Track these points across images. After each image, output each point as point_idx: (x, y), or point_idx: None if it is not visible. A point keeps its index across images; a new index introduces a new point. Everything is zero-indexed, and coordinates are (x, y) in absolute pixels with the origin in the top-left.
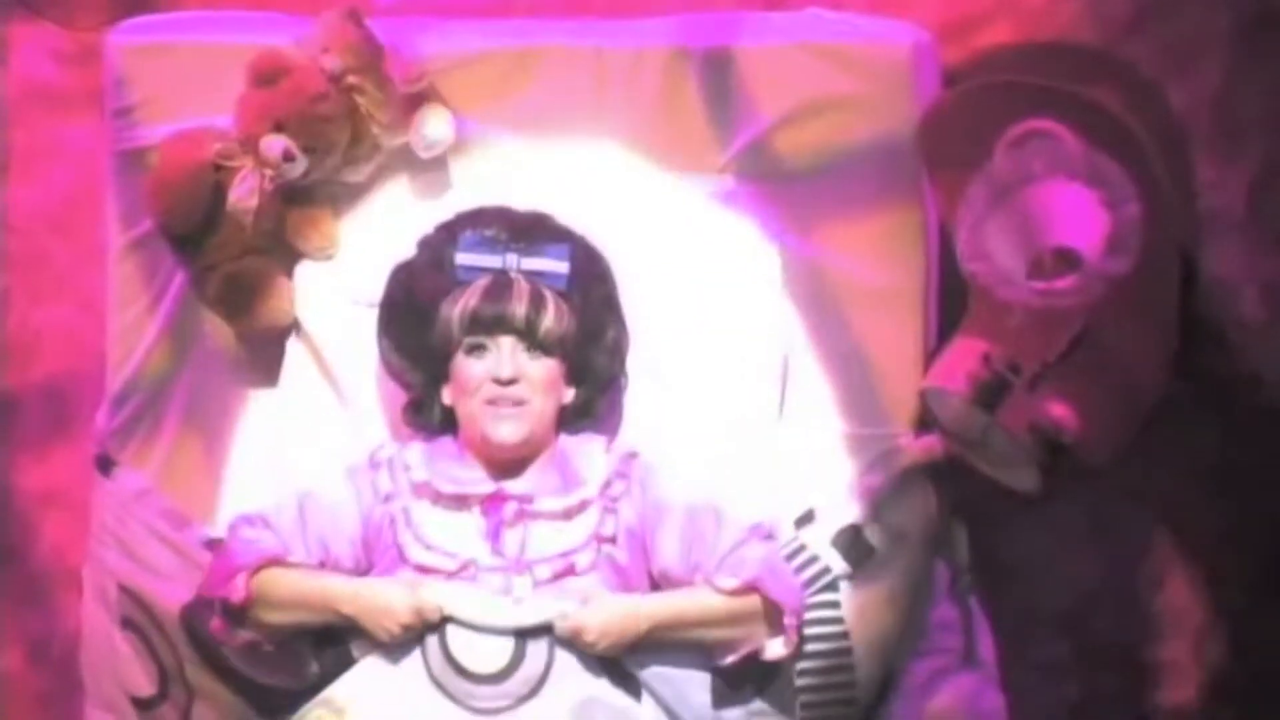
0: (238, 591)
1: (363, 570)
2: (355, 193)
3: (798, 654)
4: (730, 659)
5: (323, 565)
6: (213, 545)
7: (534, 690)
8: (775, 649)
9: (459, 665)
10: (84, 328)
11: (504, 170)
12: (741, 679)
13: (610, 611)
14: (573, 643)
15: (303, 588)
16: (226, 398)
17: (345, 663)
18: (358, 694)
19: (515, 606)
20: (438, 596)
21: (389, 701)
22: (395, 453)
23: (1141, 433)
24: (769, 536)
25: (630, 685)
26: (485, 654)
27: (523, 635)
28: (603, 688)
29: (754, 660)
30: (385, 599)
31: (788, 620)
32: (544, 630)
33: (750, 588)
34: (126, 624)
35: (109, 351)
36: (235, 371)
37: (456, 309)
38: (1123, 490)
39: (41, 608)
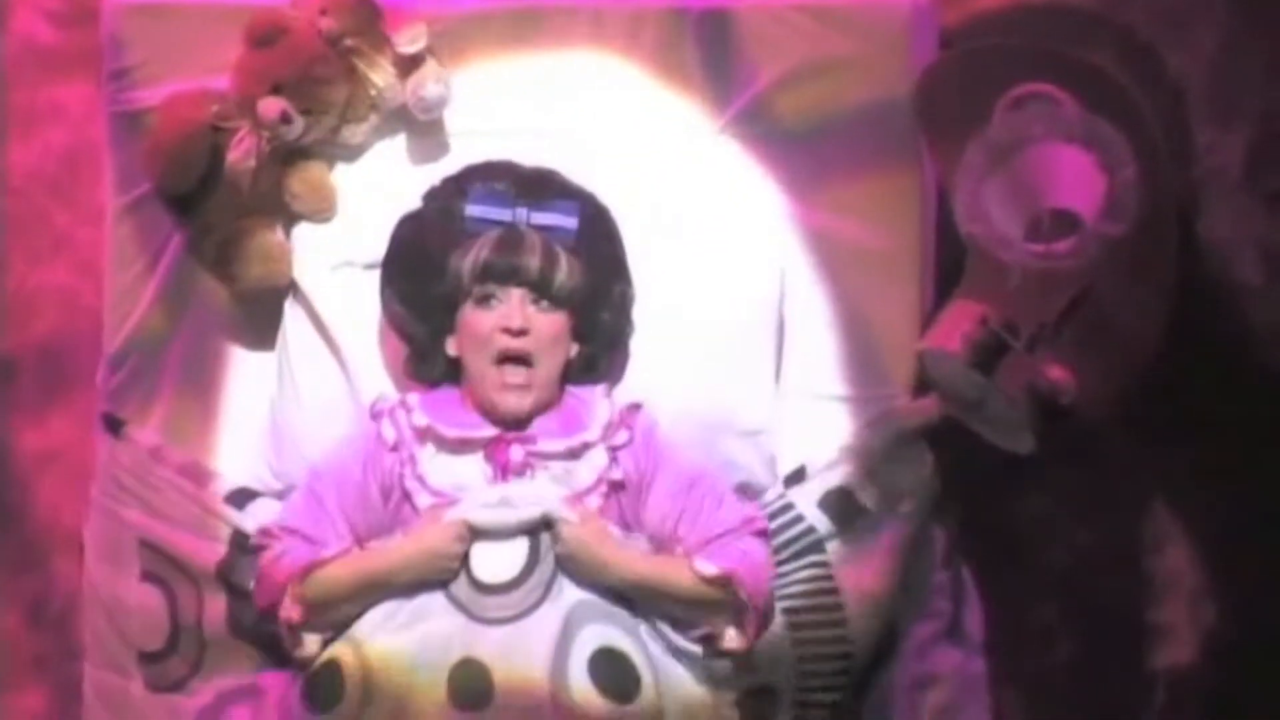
0: (290, 611)
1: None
2: (352, 154)
3: (751, 647)
4: (686, 635)
5: (359, 542)
6: (233, 498)
7: (542, 597)
8: (732, 640)
9: (477, 579)
10: (81, 289)
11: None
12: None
13: (584, 548)
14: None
15: (351, 580)
16: (223, 359)
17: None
18: (375, 624)
19: (522, 504)
20: (459, 513)
21: (405, 624)
22: (395, 401)
23: (1138, 395)
24: (760, 533)
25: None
26: (502, 564)
27: (535, 539)
28: (600, 595)
29: (708, 641)
30: (430, 546)
31: (750, 618)
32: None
33: (725, 578)
34: (148, 577)
35: (106, 313)
36: (232, 333)
37: (468, 260)
38: (1119, 452)
39: (39, 569)
